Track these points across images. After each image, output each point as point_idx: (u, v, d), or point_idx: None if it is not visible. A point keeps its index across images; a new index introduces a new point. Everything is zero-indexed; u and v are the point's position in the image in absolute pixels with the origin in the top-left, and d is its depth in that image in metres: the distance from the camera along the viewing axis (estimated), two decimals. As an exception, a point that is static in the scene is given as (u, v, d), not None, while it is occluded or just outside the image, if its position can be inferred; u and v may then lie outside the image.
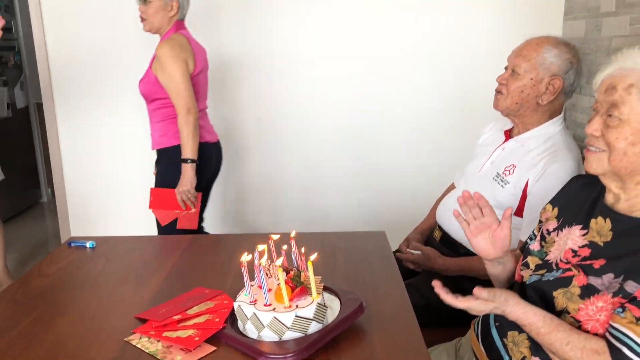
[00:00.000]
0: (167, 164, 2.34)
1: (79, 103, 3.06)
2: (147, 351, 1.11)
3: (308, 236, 1.65)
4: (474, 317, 1.37)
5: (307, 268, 1.14)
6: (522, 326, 1.10)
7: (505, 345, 1.22)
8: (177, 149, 2.26)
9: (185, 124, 2.19)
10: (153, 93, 2.28)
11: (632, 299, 0.99)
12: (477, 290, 1.11)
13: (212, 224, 2.89)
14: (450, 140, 2.95)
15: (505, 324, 1.21)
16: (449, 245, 1.84)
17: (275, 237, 1.25)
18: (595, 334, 1.03)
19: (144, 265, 1.54)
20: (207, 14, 2.86)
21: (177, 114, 2.22)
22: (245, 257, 1.16)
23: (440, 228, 1.92)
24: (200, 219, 2.52)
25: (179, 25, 2.31)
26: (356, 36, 2.89)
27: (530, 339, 1.15)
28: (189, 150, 2.20)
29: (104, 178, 3.14)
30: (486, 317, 1.31)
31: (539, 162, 1.63)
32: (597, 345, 1.00)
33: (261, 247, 1.19)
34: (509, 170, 1.71)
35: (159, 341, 1.14)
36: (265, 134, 3.06)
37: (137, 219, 2.96)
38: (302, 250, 1.22)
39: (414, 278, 1.87)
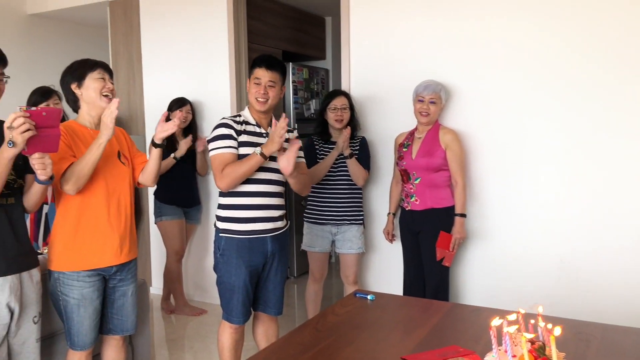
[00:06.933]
0: (441, 219, 3.08)
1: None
2: (408, 384, 1.39)
3: (563, 321, 1.73)
4: None
5: (550, 342, 1.28)
6: None
7: None
8: (451, 208, 3.09)
9: (464, 189, 3.07)
10: (442, 165, 3.08)
11: None
12: None
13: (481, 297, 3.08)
14: None
15: None
16: None
17: (523, 310, 1.42)
18: None
19: (410, 320, 1.86)
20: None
21: (454, 181, 3.09)
22: (496, 322, 1.36)
23: None
24: None
25: None
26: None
27: None
28: (464, 207, 3.07)
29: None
30: None
31: None
32: None
33: (511, 317, 1.38)
34: None
35: (418, 378, 1.42)
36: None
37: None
38: (549, 326, 1.36)
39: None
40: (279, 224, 2.57)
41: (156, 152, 2.32)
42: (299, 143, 2.46)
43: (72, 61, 2.27)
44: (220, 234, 2.53)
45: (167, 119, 2.36)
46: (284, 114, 2.43)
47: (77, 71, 2.21)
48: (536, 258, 3.15)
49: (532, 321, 1.42)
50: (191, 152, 3.99)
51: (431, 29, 3.34)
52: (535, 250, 3.15)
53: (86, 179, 2.11)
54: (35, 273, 2.08)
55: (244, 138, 2.45)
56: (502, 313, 1.80)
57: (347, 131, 3.23)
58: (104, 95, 2.21)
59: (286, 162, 2.38)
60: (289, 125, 2.39)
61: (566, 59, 3.01)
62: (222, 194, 2.55)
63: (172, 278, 4.08)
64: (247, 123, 2.51)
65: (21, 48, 4.90)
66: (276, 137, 2.34)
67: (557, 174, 3.09)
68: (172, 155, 3.81)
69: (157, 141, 2.30)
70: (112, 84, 2.26)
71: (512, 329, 1.36)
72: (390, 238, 3.41)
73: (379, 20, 3.50)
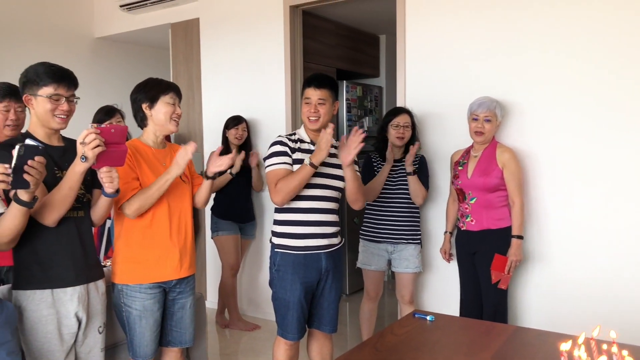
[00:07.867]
0: (498, 240, 2.97)
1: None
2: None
3: (636, 349, 1.64)
4: None
5: (626, 369, 1.22)
6: None
7: None
8: (508, 229, 2.97)
9: (522, 209, 2.94)
10: (499, 185, 2.98)
11: None
12: None
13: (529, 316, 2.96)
14: None
15: None
16: None
17: (595, 333, 1.35)
18: None
19: (472, 343, 1.81)
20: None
21: (512, 201, 2.96)
22: (565, 346, 1.31)
23: None
24: None
25: None
26: None
27: None
28: (522, 229, 2.94)
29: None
30: None
31: None
32: None
33: (581, 339, 1.32)
34: None
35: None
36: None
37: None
38: (624, 353, 1.29)
39: None
40: (333, 240, 2.57)
41: (207, 183, 2.40)
42: (364, 133, 2.42)
43: (140, 80, 2.36)
44: (276, 250, 2.55)
45: (224, 152, 2.42)
46: (331, 124, 2.45)
47: (150, 92, 2.29)
48: (598, 283, 2.99)
49: (605, 346, 1.35)
50: (247, 168, 4.07)
51: (488, 45, 3.29)
52: (597, 275, 3.00)
53: (149, 207, 2.21)
54: (101, 284, 2.16)
55: (298, 156, 2.47)
56: (570, 338, 1.73)
57: (416, 146, 3.23)
58: (172, 120, 2.29)
59: (347, 151, 2.39)
60: (338, 137, 2.38)
61: (633, 77, 2.89)
62: (277, 210, 2.57)
63: (227, 292, 4.14)
64: (301, 141, 2.54)
65: (88, 70, 5.14)
66: (323, 145, 2.37)
67: (621, 196, 2.94)
68: (229, 171, 3.89)
69: (209, 174, 2.37)
70: (180, 108, 2.33)
71: (583, 354, 1.30)
72: (448, 257, 3.34)
73: (435, 37, 3.48)
